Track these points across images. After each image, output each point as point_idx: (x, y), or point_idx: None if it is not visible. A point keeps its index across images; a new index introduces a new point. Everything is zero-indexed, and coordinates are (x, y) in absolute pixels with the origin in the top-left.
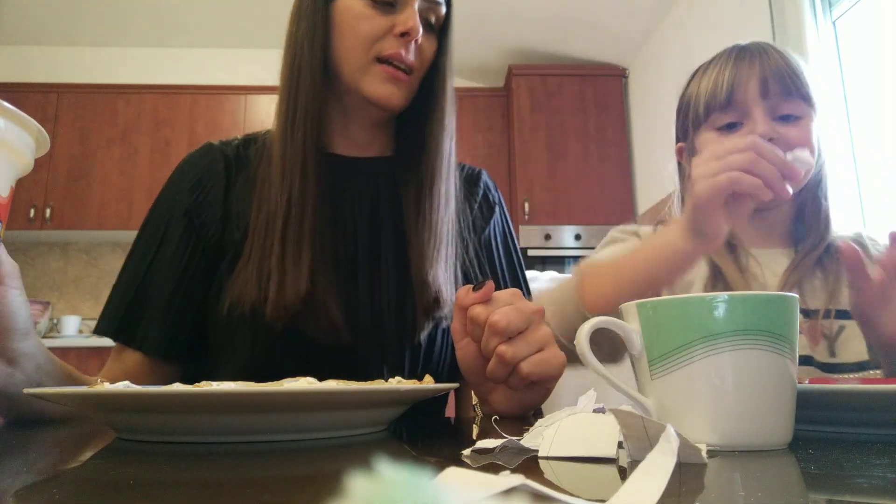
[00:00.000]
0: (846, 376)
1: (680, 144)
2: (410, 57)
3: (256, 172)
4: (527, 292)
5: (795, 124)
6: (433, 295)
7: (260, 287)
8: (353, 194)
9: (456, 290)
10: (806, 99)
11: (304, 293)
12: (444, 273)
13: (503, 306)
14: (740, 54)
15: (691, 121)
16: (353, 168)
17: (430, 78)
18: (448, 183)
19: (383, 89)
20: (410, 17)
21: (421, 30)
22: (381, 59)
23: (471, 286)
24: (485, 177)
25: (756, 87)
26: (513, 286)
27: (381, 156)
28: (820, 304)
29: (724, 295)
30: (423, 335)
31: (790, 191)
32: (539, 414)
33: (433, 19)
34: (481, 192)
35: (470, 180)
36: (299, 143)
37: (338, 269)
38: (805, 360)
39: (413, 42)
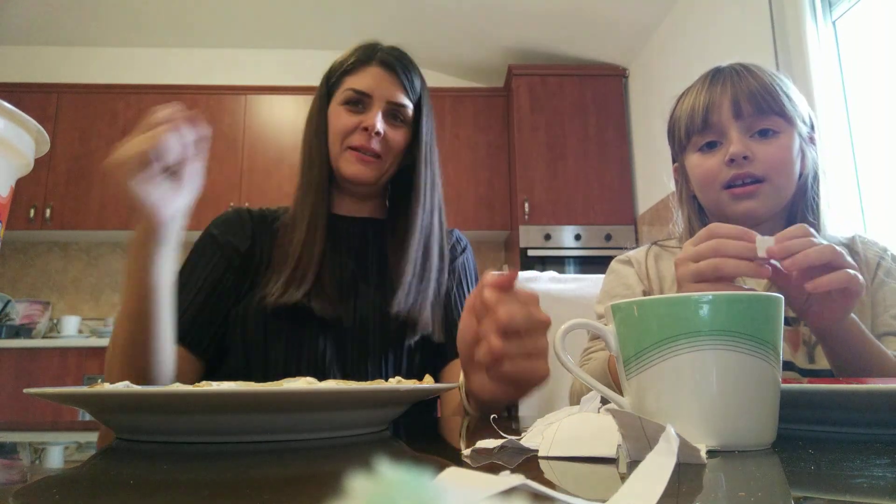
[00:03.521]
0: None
1: (675, 165)
2: (374, 146)
3: (276, 226)
4: None
5: (773, 139)
6: (424, 323)
7: (285, 288)
8: (345, 240)
9: (442, 310)
10: (782, 115)
11: (307, 290)
12: (430, 306)
13: (517, 304)
14: (714, 77)
15: (677, 144)
16: (346, 224)
17: (411, 165)
18: (431, 242)
19: (352, 169)
20: (370, 118)
21: (380, 125)
22: (352, 148)
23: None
24: (455, 233)
25: (729, 109)
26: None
27: (373, 217)
28: None
29: (708, 295)
30: (406, 344)
31: (768, 269)
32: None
33: (401, 117)
34: (453, 240)
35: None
36: (310, 205)
37: (335, 281)
38: (786, 366)
39: (375, 135)
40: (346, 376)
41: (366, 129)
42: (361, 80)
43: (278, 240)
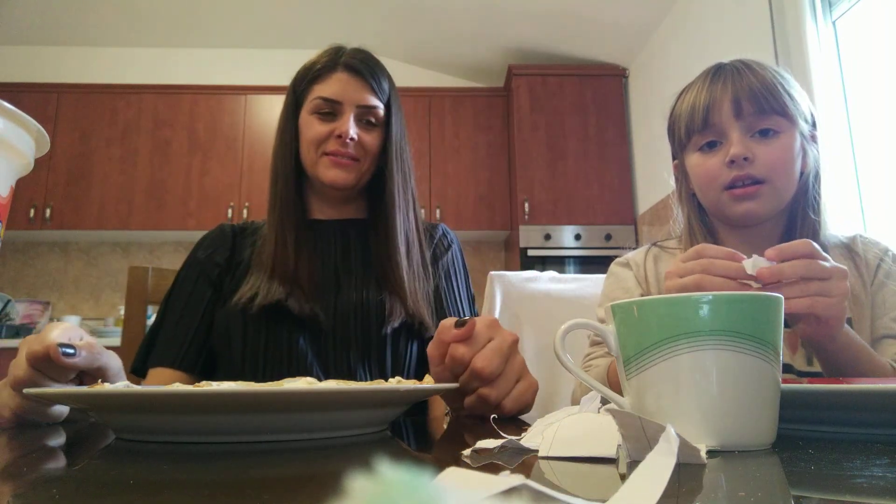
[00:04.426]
0: None
1: (675, 162)
2: (350, 151)
3: (256, 237)
4: (472, 307)
5: (774, 140)
6: (412, 309)
7: (257, 289)
8: (327, 242)
9: (428, 304)
10: (783, 114)
11: (285, 290)
12: (420, 297)
13: (483, 343)
14: (716, 75)
15: (677, 142)
16: (327, 227)
17: (385, 164)
18: (411, 238)
19: (331, 174)
20: (343, 124)
21: (353, 131)
22: (328, 153)
23: (454, 319)
24: (441, 227)
25: (729, 108)
26: (465, 300)
27: (355, 218)
28: None
29: (708, 295)
30: (388, 329)
31: (755, 285)
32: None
33: (373, 119)
34: (439, 235)
35: (430, 230)
36: (277, 218)
37: (314, 282)
38: (785, 369)
39: (350, 140)
40: (326, 371)
41: (339, 136)
42: (329, 88)
43: (257, 250)
